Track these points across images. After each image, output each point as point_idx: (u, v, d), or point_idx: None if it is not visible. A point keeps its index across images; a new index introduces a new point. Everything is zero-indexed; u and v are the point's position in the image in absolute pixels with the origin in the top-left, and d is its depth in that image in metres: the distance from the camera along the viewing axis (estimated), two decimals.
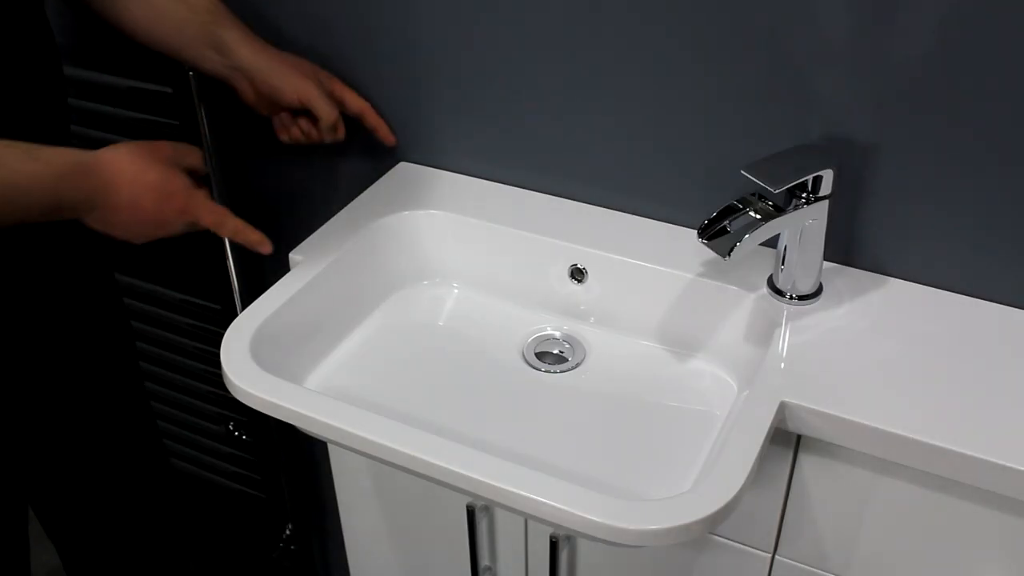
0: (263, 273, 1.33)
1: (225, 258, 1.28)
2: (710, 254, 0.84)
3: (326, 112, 1.01)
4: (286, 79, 0.99)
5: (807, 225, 0.86)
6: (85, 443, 1.12)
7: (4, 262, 0.94)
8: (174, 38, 0.99)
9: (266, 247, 0.94)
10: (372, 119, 1.09)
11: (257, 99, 1.03)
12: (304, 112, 1.04)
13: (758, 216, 0.83)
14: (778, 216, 0.83)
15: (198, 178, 0.94)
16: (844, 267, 0.95)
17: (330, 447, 1.10)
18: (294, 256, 0.99)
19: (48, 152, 0.82)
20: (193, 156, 0.93)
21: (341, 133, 1.04)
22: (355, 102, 1.07)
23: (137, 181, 0.86)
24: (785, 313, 0.89)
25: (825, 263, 0.91)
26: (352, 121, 1.08)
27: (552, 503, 0.71)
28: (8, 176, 0.78)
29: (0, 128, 0.83)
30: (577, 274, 1.00)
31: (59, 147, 0.83)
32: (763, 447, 0.75)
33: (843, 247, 0.94)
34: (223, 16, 1.00)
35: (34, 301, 0.99)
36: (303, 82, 1.00)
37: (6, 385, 1.00)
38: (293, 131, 1.06)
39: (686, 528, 0.69)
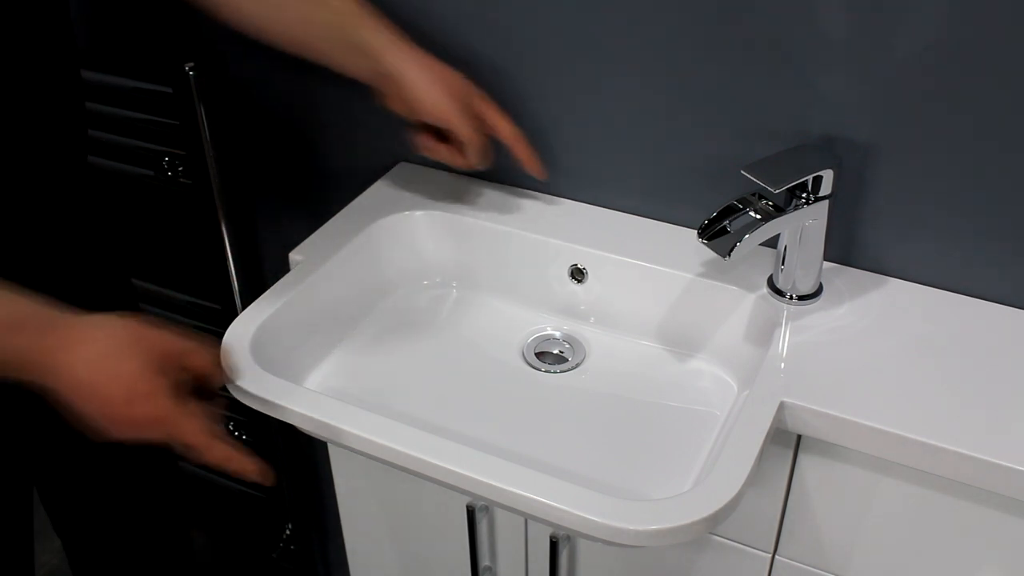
0: (263, 273, 1.33)
1: (225, 258, 1.28)
2: (710, 254, 0.84)
3: (467, 135, 0.93)
4: (428, 93, 0.91)
5: (807, 225, 0.86)
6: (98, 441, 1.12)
7: (22, 263, 0.94)
8: (306, 36, 0.92)
9: (268, 479, 0.78)
10: (522, 150, 0.97)
11: (402, 106, 0.94)
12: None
13: (758, 216, 0.83)
14: (778, 216, 0.83)
15: (210, 390, 0.80)
16: (844, 267, 0.95)
17: (330, 447, 1.10)
18: (294, 256, 0.99)
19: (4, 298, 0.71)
20: (199, 358, 0.77)
21: (487, 163, 0.97)
22: (507, 130, 0.96)
23: (103, 362, 0.71)
24: (785, 313, 0.89)
25: (825, 263, 0.91)
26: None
27: (552, 503, 0.71)
28: None
29: (18, 129, 0.82)
30: (577, 274, 1.00)
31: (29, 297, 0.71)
32: (763, 447, 0.75)
33: (843, 247, 0.94)
34: (365, 16, 0.91)
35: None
36: (445, 100, 0.91)
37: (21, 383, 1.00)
38: (433, 151, 0.97)
39: (686, 528, 0.69)
